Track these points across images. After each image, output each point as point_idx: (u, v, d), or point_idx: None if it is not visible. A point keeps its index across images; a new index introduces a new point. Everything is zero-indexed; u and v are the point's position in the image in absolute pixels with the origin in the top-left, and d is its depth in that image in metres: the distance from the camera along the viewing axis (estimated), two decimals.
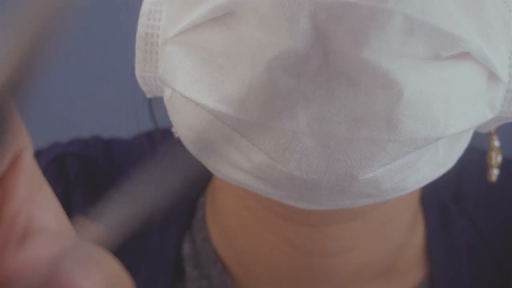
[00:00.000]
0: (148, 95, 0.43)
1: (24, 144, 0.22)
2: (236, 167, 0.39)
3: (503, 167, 0.48)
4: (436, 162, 0.40)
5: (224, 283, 0.50)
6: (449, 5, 0.36)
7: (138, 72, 0.40)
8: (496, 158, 0.48)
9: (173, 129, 0.46)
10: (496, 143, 0.48)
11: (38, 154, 0.55)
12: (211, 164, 0.40)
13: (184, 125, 0.41)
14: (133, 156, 0.56)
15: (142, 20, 0.39)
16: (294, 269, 0.48)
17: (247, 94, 0.36)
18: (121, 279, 0.23)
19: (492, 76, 0.39)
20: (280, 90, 0.35)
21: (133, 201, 0.18)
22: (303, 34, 0.34)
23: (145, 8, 0.39)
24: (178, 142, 0.42)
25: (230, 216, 0.49)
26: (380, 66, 0.34)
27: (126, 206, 0.18)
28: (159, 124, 0.53)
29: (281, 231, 0.47)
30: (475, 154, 0.49)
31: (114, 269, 0.23)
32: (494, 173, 0.48)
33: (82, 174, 0.54)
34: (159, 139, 0.54)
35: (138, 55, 0.39)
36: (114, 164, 0.55)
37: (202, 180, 0.53)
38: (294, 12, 0.34)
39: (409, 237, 0.49)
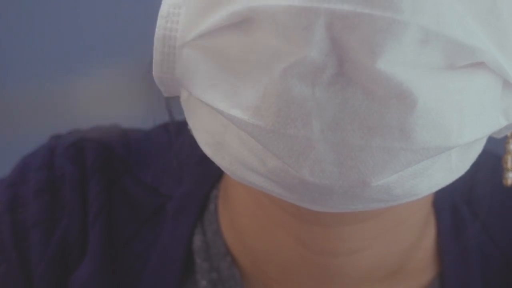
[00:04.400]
0: (165, 95, 0.44)
1: None
2: (251, 169, 0.39)
3: None
4: (448, 169, 0.40)
5: (234, 276, 0.51)
6: (465, 15, 0.36)
7: (155, 73, 0.40)
8: None
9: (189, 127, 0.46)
10: None
11: (57, 138, 0.56)
12: (225, 166, 0.41)
13: (200, 126, 0.41)
14: (150, 146, 0.56)
15: (161, 23, 0.40)
16: (304, 267, 0.48)
17: (262, 100, 0.36)
18: None
19: (507, 84, 0.39)
20: (295, 98, 0.35)
21: None
22: (318, 43, 0.34)
23: (163, 10, 0.40)
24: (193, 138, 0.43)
25: (242, 212, 0.50)
26: (394, 76, 0.35)
27: None
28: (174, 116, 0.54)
29: (293, 229, 0.47)
30: (489, 158, 0.49)
31: None
32: (510, 176, 0.48)
33: (100, 160, 0.55)
34: (174, 131, 0.55)
35: (156, 57, 0.40)
36: (131, 153, 0.56)
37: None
38: (310, 21, 0.34)
39: (420, 239, 0.50)
